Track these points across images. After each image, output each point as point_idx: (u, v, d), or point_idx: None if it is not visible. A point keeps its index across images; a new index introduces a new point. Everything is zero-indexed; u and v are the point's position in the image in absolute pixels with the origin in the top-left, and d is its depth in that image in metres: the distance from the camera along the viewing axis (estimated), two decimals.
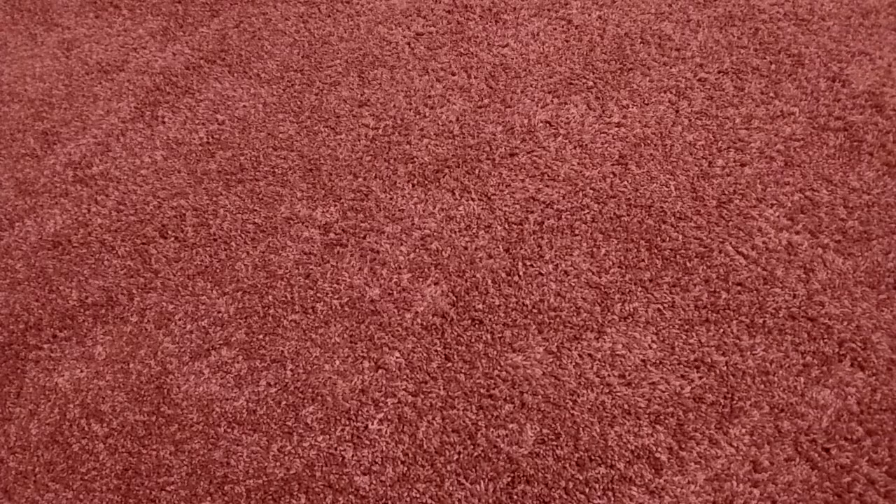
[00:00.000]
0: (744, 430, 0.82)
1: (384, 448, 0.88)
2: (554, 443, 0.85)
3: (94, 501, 0.90)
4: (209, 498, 0.88)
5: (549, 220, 1.03)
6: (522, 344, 0.93)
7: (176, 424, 0.94)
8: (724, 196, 1.02)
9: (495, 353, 0.93)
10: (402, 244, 1.05)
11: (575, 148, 1.11)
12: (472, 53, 1.27)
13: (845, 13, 1.20)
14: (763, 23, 1.22)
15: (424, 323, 0.97)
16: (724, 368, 0.86)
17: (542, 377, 0.90)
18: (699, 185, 1.04)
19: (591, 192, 1.05)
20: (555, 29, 1.28)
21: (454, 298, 0.98)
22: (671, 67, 1.18)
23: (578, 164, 1.09)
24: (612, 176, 1.07)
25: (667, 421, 0.84)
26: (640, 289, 0.95)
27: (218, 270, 1.07)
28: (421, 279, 1.01)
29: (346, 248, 1.06)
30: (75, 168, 1.25)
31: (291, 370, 0.96)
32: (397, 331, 0.97)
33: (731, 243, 0.97)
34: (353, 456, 0.88)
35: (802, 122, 1.08)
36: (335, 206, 1.11)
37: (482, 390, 0.90)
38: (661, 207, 1.02)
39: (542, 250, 1.00)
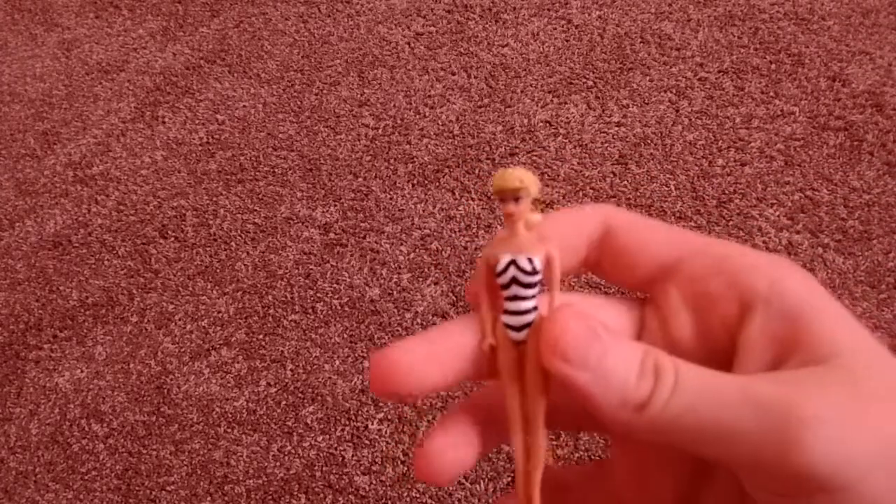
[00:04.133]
0: None
1: (384, 448, 0.88)
2: (554, 442, 0.85)
3: (95, 501, 0.90)
4: (209, 498, 0.88)
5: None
6: None
7: (176, 424, 0.94)
8: (724, 195, 1.02)
9: None
10: (402, 244, 1.05)
11: (575, 147, 1.11)
12: (472, 53, 1.27)
13: (846, 13, 1.20)
14: (763, 22, 1.21)
15: (424, 323, 0.97)
16: None
17: None
18: (699, 184, 1.04)
19: (591, 191, 1.05)
20: (555, 28, 1.28)
21: (454, 298, 0.98)
22: (671, 67, 1.18)
23: (578, 163, 1.09)
24: (612, 175, 1.07)
25: None
26: None
27: (218, 270, 1.07)
28: (421, 279, 1.01)
29: (345, 248, 1.06)
30: (75, 168, 1.25)
31: (291, 370, 0.96)
32: (397, 331, 0.97)
33: None
34: (353, 456, 0.88)
35: (803, 121, 1.08)
36: (335, 205, 1.11)
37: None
38: (661, 207, 1.02)
39: None
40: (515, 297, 0.19)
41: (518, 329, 0.19)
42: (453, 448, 0.19)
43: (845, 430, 0.16)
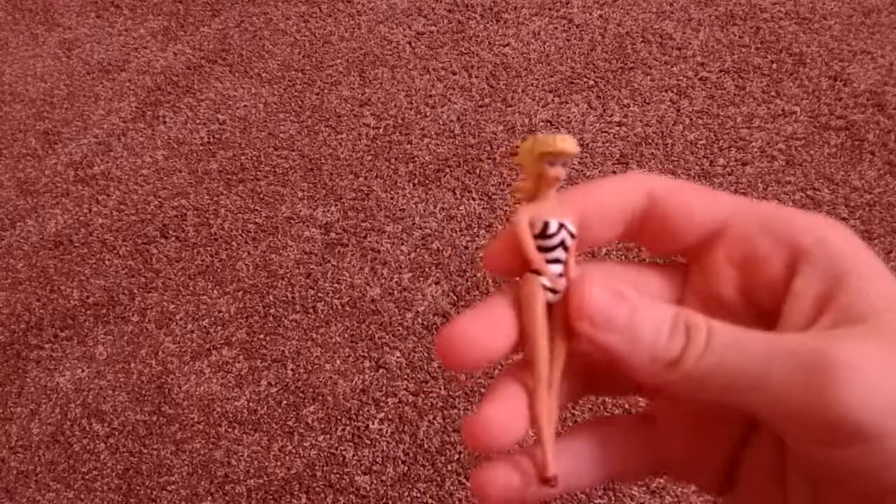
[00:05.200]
0: None
1: (385, 448, 0.88)
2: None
3: (96, 501, 0.90)
4: (210, 497, 0.88)
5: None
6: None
7: (177, 424, 0.94)
8: None
9: None
10: (402, 244, 1.05)
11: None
12: (473, 53, 1.27)
13: (847, 12, 1.20)
14: (764, 21, 1.21)
15: (425, 322, 0.97)
16: None
17: None
18: (700, 183, 1.03)
19: None
20: (556, 28, 1.28)
21: (455, 298, 0.98)
22: (672, 66, 1.18)
23: (580, 163, 1.09)
24: (613, 175, 1.07)
25: None
26: None
27: (219, 270, 1.07)
28: (422, 279, 1.01)
29: (346, 248, 1.06)
30: (76, 168, 1.25)
31: (292, 370, 0.96)
32: (398, 330, 0.97)
33: None
34: (353, 455, 0.88)
35: (804, 121, 1.07)
36: (336, 205, 1.11)
37: (483, 389, 0.90)
38: None
39: None
40: (557, 261, 0.19)
41: (555, 292, 0.20)
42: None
43: (882, 378, 0.16)
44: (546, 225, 0.20)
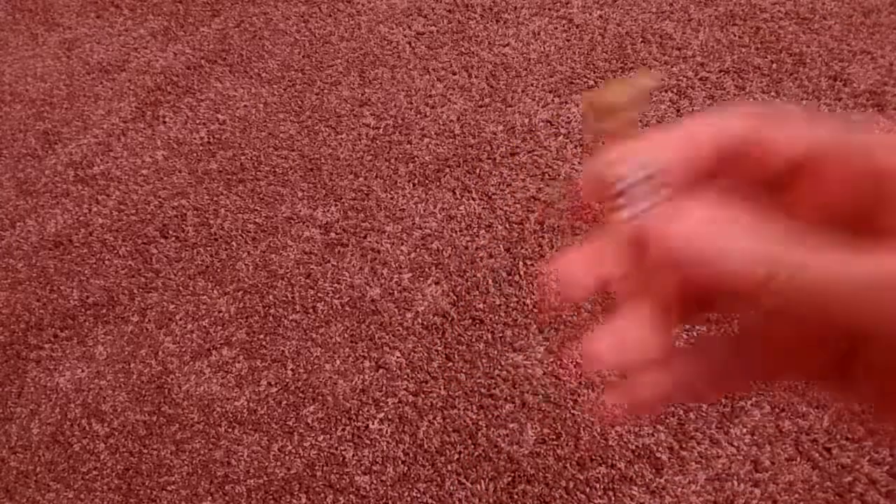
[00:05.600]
0: (745, 430, 0.82)
1: (385, 448, 0.88)
2: (555, 442, 0.85)
3: (96, 501, 0.90)
4: (210, 497, 0.88)
5: (550, 219, 1.03)
6: (523, 343, 0.93)
7: (177, 424, 0.94)
8: None
9: (496, 352, 0.93)
10: (402, 244, 1.05)
11: (576, 147, 1.11)
12: (473, 53, 1.27)
13: (847, 12, 1.20)
14: (764, 22, 1.21)
15: (425, 322, 0.97)
16: None
17: (543, 377, 0.90)
18: None
19: None
20: (556, 28, 1.28)
21: (455, 298, 0.98)
22: (672, 66, 1.18)
23: (580, 163, 1.09)
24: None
25: (668, 420, 0.84)
26: None
27: (219, 270, 1.07)
28: (422, 279, 1.01)
29: (346, 248, 1.06)
30: (76, 168, 1.25)
31: (292, 370, 0.96)
32: (398, 330, 0.97)
33: None
34: (353, 455, 0.88)
35: None
36: (336, 205, 1.11)
37: (483, 390, 0.90)
38: None
39: (543, 249, 1.00)
40: (633, 202, 0.21)
41: (641, 230, 0.21)
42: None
43: None
44: (617, 170, 0.21)
